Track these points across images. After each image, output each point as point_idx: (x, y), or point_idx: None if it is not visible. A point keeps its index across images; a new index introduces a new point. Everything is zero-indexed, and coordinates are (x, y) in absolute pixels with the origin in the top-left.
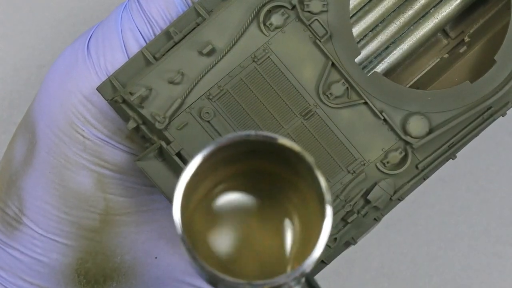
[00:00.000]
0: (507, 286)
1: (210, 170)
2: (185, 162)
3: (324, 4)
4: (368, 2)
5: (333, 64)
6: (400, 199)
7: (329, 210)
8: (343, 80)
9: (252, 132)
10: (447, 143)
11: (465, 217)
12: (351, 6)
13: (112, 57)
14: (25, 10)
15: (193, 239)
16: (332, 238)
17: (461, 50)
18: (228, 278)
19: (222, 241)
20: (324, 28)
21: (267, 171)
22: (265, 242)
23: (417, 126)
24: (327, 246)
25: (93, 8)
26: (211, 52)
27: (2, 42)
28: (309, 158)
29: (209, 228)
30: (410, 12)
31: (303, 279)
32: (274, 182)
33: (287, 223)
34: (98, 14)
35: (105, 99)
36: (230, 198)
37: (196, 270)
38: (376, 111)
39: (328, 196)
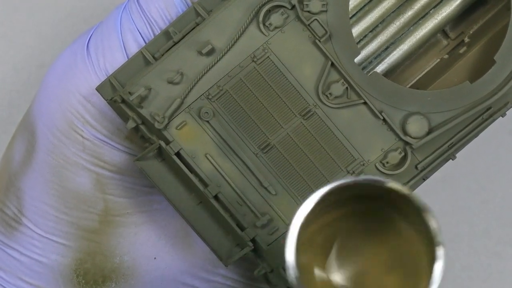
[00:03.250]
0: (507, 286)
1: (317, 214)
2: (184, 162)
3: (324, 4)
4: (368, 2)
5: (332, 64)
6: None
7: (441, 252)
8: (342, 80)
9: (360, 177)
10: (447, 143)
11: (465, 217)
12: (351, 6)
13: (112, 57)
14: (25, 10)
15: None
16: None
17: (461, 51)
18: None
19: (335, 281)
20: (324, 28)
21: (372, 212)
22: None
23: (416, 126)
24: None
25: (93, 8)
26: (211, 52)
27: (2, 42)
28: (419, 200)
29: (320, 270)
30: (410, 13)
31: None
32: (382, 224)
33: (397, 263)
34: (98, 14)
35: (104, 99)
36: (338, 238)
37: None
38: (376, 111)
39: (439, 238)
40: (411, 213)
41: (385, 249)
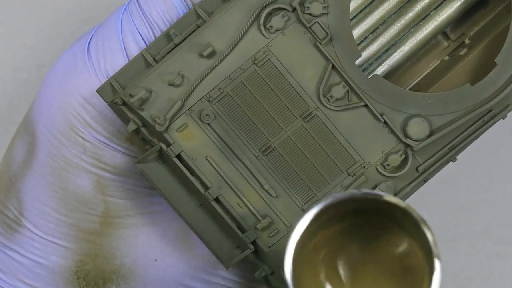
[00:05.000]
0: (507, 286)
1: (314, 230)
2: (185, 164)
3: (325, 7)
4: (369, 4)
5: (333, 66)
6: None
7: (437, 264)
8: (343, 83)
9: (358, 191)
10: (448, 145)
11: (465, 217)
12: (351, 8)
13: (112, 59)
14: (25, 10)
15: None
16: None
17: (462, 53)
18: None
19: None
20: (325, 31)
21: (370, 225)
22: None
23: (417, 128)
24: None
25: (93, 8)
26: (212, 54)
27: (2, 42)
28: (416, 214)
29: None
30: (410, 15)
31: None
32: (380, 237)
33: (396, 275)
34: (98, 14)
35: (105, 101)
36: (339, 253)
37: None
38: (377, 113)
39: (436, 250)
40: (409, 225)
41: (384, 260)
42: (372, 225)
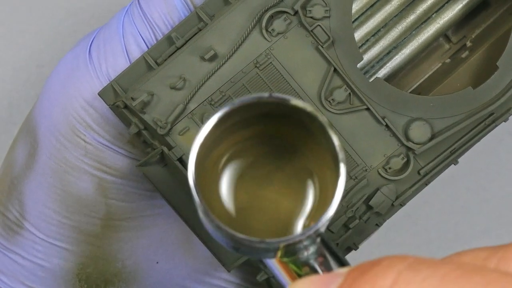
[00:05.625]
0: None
1: (222, 135)
2: (187, 167)
3: (327, 10)
4: (370, 7)
5: (335, 69)
6: (401, 205)
7: (343, 168)
8: (345, 86)
9: (265, 94)
10: (449, 149)
11: (465, 217)
12: (353, 10)
13: (114, 62)
14: (25, 10)
15: (208, 204)
16: (334, 243)
17: (463, 55)
18: (241, 236)
19: (238, 204)
20: (327, 34)
21: (282, 134)
22: (284, 204)
23: (419, 132)
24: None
25: (93, 8)
26: (213, 57)
27: (2, 42)
28: (322, 117)
29: (223, 193)
30: (412, 17)
31: (318, 239)
32: (290, 145)
33: (306, 184)
34: (98, 14)
35: (106, 104)
36: (244, 161)
37: (212, 232)
38: (378, 117)
39: (341, 155)
40: (320, 133)
41: (291, 171)
42: (280, 134)
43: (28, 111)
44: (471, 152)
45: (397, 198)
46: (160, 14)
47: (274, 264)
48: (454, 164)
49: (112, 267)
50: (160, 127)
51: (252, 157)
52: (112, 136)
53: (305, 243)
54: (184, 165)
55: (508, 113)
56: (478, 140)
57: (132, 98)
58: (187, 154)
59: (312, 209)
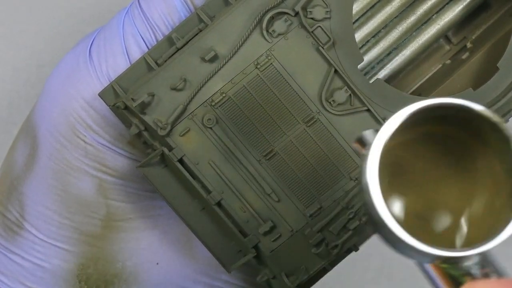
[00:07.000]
0: None
1: (399, 132)
2: (187, 168)
3: (327, 11)
4: (371, 8)
5: (336, 71)
6: None
7: None
8: (346, 87)
9: (448, 100)
10: None
11: None
12: (353, 12)
13: (114, 62)
14: (25, 10)
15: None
16: (334, 245)
17: (464, 56)
18: (422, 246)
19: (410, 202)
20: (327, 35)
21: (455, 137)
22: (451, 206)
23: None
24: (330, 251)
25: (93, 8)
26: (214, 58)
27: (2, 42)
28: (507, 131)
29: (397, 189)
30: (412, 18)
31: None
32: (460, 149)
33: (476, 189)
34: (98, 14)
35: (107, 104)
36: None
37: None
38: (379, 118)
39: None
40: (495, 141)
41: (459, 177)
42: (450, 137)
43: (28, 111)
44: None
45: None
46: (160, 14)
47: (430, 268)
48: None
49: (112, 268)
50: (161, 128)
51: (420, 157)
52: (112, 137)
53: (474, 259)
54: (185, 166)
55: (508, 115)
56: None
57: (132, 99)
58: (187, 155)
59: (477, 216)
